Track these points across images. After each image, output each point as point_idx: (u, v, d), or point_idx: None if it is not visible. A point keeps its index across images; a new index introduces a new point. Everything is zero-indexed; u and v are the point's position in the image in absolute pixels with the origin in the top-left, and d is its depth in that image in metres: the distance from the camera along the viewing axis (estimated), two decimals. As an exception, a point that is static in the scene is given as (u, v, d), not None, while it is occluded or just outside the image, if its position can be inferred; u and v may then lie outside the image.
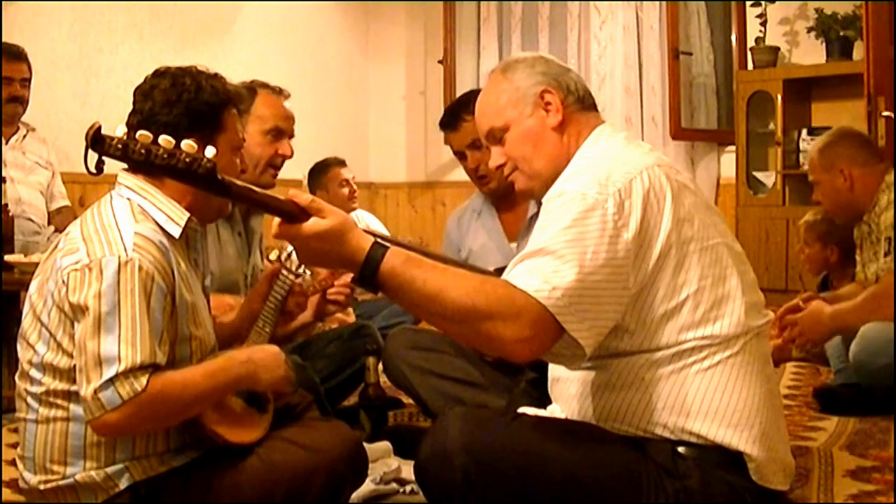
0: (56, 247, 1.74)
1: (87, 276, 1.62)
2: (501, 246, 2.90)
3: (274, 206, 1.52)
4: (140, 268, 1.62)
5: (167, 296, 1.66)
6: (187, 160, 1.44)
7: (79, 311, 1.62)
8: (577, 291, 1.53)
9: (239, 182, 1.51)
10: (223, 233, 2.56)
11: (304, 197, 1.53)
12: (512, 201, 2.90)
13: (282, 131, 2.58)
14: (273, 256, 2.29)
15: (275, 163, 2.59)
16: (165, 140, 1.43)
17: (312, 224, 1.51)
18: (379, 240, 1.56)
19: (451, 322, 1.55)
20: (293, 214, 1.52)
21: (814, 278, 4.17)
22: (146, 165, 1.44)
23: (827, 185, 3.20)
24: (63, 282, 1.65)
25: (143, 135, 1.42)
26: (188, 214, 1.76)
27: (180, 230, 1.75)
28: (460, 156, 2.94)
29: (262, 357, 1.80)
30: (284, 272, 2.17)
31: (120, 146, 1.41)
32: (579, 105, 1.83)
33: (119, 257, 1.62)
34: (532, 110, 1.81)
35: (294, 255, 2.26)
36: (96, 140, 1.41)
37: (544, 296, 1.51)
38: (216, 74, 1.89)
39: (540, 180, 1.81)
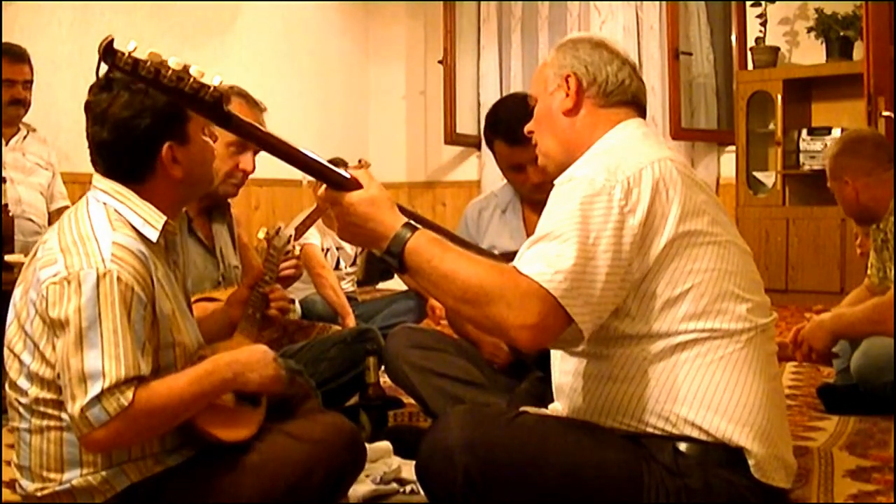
0: (35, 254, 1.70)
1: (66, 289, 1.59)
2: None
3: (269, 142, 1.55)
4: (119, 279, 1.59)
5: (147, 305, 1.64)
6: (195, 86, 1.42)
7: (59, 325, 1.59)
8: (579, 275, 1.53)
9: (242, 117, 1.51)
10: (188, 241, 2.48)
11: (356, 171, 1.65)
12: (541, 203, 2.74)
13: (245, 145, 2.43)
14: (261, 235, 2.26)
15: (234, 175, 2.47)
16: (176, 62, 1.41)
17: (359, 193, 1.62)
18: (410, 221, 1.63)
19: (462, 303, 1.57)
20: (292, 157, 1.58)
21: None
22: (154, 84, 1.42)
23: (838, 194, 3.21)
24: (43, 295, 1.61)
25: (153, 53, 1.40)
26: (165, 218, 1.73)
27: (157, 234, 1.71)
28: (517, 168, 2.66)
29: (248, 358, 1.77)
30: (272, 251, 2.14)
31: (130, 61, 1.39)
32: (602, 99, 1.82)
33: (97, 269, 1.59)
34: (554, 90, 1.84)
35: (282, 232, 2.23)
36: (108, 51, 1.38)
37: (547, 279, 1.52)
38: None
39: (552, 160, 1.85)
